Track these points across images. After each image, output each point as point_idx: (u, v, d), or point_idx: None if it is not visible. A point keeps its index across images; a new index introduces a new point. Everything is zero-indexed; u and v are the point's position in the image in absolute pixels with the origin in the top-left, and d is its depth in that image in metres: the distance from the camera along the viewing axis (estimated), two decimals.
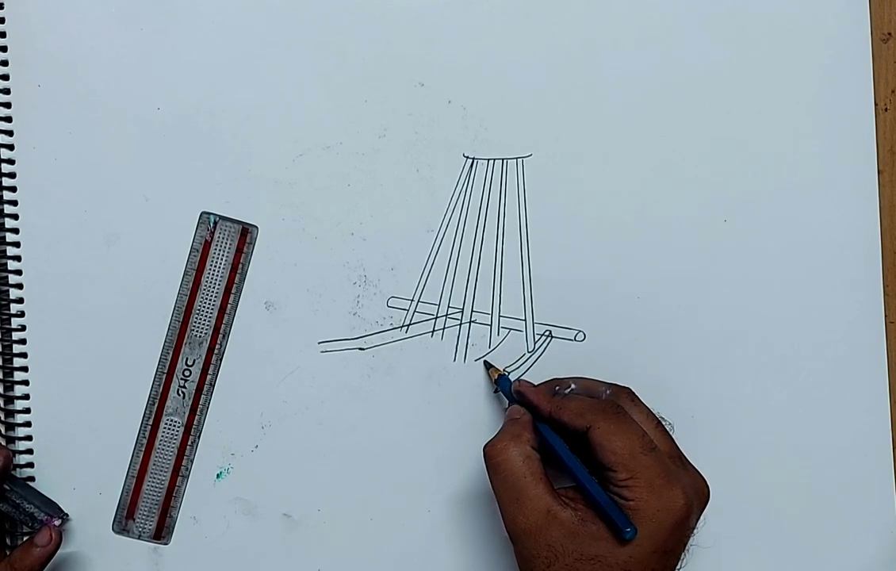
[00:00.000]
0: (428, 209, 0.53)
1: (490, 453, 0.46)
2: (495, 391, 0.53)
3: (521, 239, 0.53)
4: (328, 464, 0.53)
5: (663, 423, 0.47)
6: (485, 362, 0.53)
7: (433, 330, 0.53)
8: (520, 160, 0.53)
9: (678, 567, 0.45)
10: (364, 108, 0.53)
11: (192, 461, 0.53)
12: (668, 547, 0.43)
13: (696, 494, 0.45)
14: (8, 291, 0.52)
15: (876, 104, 0.53)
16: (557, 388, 0.49)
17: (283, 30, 0.52)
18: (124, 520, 0.53)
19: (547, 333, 0.53)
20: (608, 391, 0.48)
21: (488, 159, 0.53)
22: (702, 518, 0.45)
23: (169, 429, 0.53)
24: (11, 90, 0.52)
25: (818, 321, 0.54)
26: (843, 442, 0.54)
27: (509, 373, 0.53)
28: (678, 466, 0.45)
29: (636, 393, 0.48)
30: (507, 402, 0.51)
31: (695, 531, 0.45)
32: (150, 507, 0.53)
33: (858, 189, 0.54)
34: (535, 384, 0.50)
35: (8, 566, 0.49)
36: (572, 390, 0.49)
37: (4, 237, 0.52)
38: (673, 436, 0.46)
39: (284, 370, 0.53)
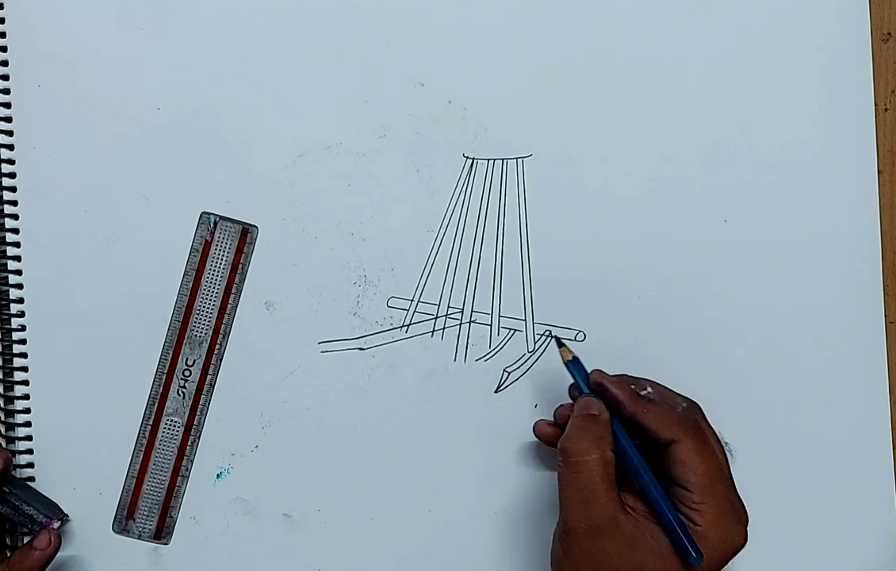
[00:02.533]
0: (428, 209, 0.53)
1: (572, 451, 0.45)
2: (496, 393, 0.53)
3: (521, 239, 0.53)
4: (328, 464, 0.53)
5: (725, 447, 0.47)
6: (556, 338, 0.51)
7: (433, 330, 0.53)
8: (520, 160, 0.53)
9: None
10: (364, 108, 0.53)
11: (192, 461, 0.53)
12: None
13: (746, 525, 0.45)
14: (8, 291, 0.52)
15: (876, 104, 0.53)
16: (633, 386, 0.48)
17: (283, 30, 0.52)
18: (124, 520, 0.53)
19: (547, 333, 0.53)
20: (685, 405, 0.47)
21: (488, 159, 0.53)
22: None
23: (169, 429, 0.53)
24: (11, 90, 0.52)
25: (818, 321, 0.54)
26: (843, 442, 0.54)
27: (511, 372, 0.53)
28: (735, 495, 0.45)
29: (703, 411, 0.48)
30: (571, 388, 0.50)
31: None
32: (150, 507, 0.53)
33: (858, 189, 0.54)
34: (612, 376, 0.48)
35: (7, 568, 0.49)
36: (649, 392, 0.48)
37: (4, 237, 0.52)
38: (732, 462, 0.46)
39: (284, 370, 0.53)
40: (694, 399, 0.48)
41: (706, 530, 0.43)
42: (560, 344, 0.50)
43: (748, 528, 0.45)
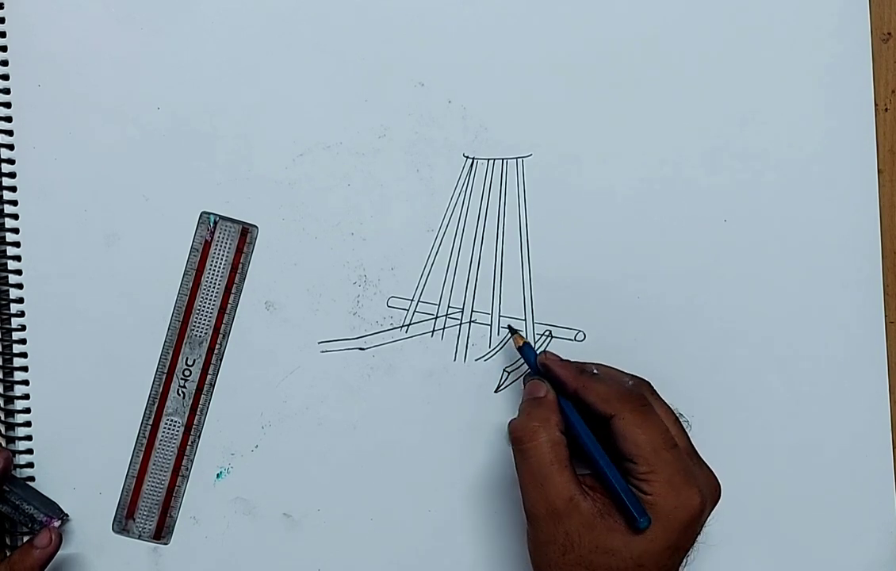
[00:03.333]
0: (428, 209, 0.53)
1: (520, 437, 0.46)
2: (496, 393, 0.53)
3: (521, 239, 0.53)
4: (328, 464, 0.53)
5: (681, 420, 0.47)
6: (509, 327, 0.52)
7: (433, 330, 0.53)
8: (520, 160, 0.53)
9: (685, 562, 0.45)
10: (364, 108, 0.53)
11: (192, 461, 0.53)
12: (680, 544, 0.44)
13: (711, 493, 0.45)
14: (8, 291, 0.52)
15: (876, 104, 0.53)
16: (583, 369, 0.49)
17: (283, 30, 0.52)
18: (124, 520, 0.53)
19: (547, 333, 0.53)
20: (630, 382, 0.48)
21: (488, 159, 0.53)
22: (714, 514, 0.46)
23: (169, 429, 0.53)
24: (11, 90, 0.52)
25: (818, 321, 0.54)
26: (843, 442, 0.54)
27: (511, 372, 0.53)
28: (694, 463, 0.46)
29: (655, 388, 0.48)
30: (526, 374, 0.51)
31: (704, 528, 0.45)
32: (150, 507, 0.53)
33: (858, 189, 0.54)
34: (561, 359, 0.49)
35: (7, 567, 0.49)
36: (596, 374, 0.49)
37: (4, 237, 0.52)
38: (689, 433, 0.47)
39: (284, 370, 0.53)
40: (645, 377, 0.48)
41: (656, 498, 0.43)
42: (513, 332, 0.51)
43: (722, 497, 0.46)
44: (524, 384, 0.50)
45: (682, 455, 0.44)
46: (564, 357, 0.50)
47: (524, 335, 0.53)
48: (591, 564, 0.43)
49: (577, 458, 0.46)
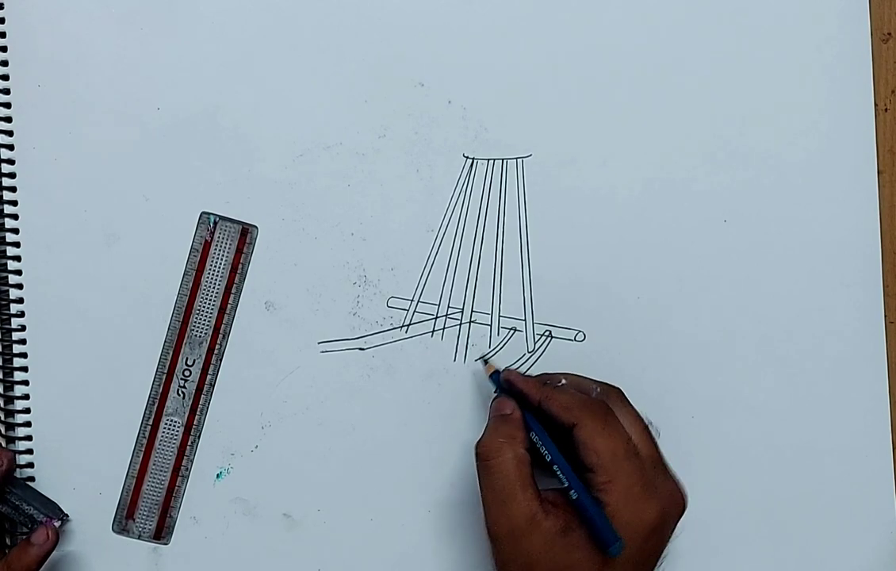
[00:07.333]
0: (428, 209, 0.53)
1: (484, 453, 0.46)
2: (495, 393, 0.53)
3: (521, 239, 0.53)
4: (328, 464, 0.53)
5: (650, 427, 0.46)
6: (482, 359, 0.53)
7: (433, 330, 0.53)
8: (520, 160, 0.53)
9: None
10: (364, 108, 0.53)
11: (192, 461, 0.53)
12: (641, 558, 0.43)
13: (673, 505, 0.45)
14: (8, 291, 0.52)
15: (876, 104, 0.53)
16: (548, 381, 0.49)
17: (283, 30, 0.52)
18: (124, 520, 0.53)
19: (547, 333, 0.53)
20: (598, 389, 0.48)
21: (488, 159, 0.53)
22: (680, 526, 0.46)
23: (169, 429, 0.53)
24: (11, 90, 0.52)
25: (818, 321, 0.54)
26: (843, 442, 0.54)
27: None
28: (658, 474, 0.45)
29: (625, 394, 0.48)
30: (493, 395, 0.50)
31: (671, 538, 0.45)
32: (150, 507, 0.53)
33: (858, 189, 0.54)
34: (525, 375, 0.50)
35: (5, 566, 0.49)
36: (563, 384, 0.49)
37: (4, 237, 0.52)
38: (658, 442, 0.46)
39: (284, 369, 0.53)
40: (615, 385, 0.48)
41: (613, 509, 0.43)
42: (485, 362, 0.52)
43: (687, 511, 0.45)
44: (491, 405, 0.50)
45: (643, 465, 0.44)
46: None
47: (525, 339, 0.53)
48: None
49: (542, 469, 0.45)
